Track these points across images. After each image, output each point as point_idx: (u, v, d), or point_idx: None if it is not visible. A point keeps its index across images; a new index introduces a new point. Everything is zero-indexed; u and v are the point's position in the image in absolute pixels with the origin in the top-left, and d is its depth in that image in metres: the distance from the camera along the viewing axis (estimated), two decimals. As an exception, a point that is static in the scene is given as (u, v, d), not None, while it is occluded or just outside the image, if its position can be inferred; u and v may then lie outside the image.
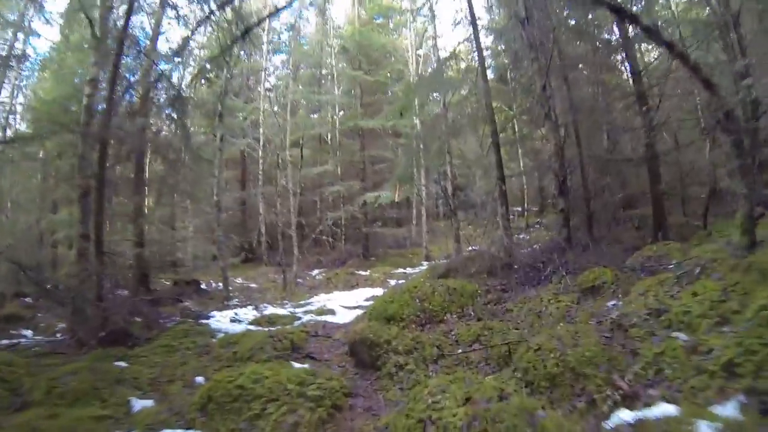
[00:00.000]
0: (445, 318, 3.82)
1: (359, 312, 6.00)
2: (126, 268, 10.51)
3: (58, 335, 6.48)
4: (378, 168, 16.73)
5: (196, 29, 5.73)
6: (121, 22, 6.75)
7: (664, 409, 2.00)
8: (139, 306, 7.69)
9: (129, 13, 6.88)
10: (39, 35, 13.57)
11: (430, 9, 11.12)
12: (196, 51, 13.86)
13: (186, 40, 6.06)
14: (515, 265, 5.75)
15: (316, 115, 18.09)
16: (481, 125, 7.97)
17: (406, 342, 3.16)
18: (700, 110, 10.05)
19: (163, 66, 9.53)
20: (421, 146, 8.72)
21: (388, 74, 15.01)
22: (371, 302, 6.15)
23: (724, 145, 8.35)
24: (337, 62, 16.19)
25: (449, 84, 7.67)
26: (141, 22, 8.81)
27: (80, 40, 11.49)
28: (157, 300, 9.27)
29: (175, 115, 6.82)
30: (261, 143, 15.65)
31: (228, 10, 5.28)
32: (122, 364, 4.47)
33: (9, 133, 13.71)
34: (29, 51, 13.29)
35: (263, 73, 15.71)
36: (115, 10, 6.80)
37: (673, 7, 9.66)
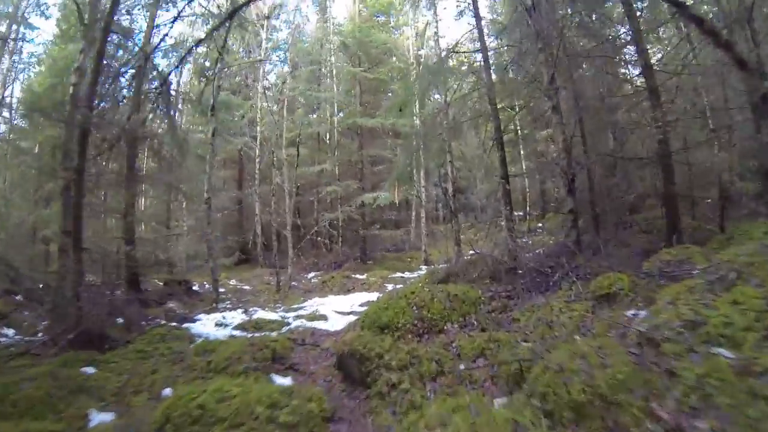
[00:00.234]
0: (445, 328, 3.39)
1: (353, 318, 5.60)
2: (113, 266, 10.14)
3: (40, 335, 6.12)
4: (377, 169, 16.42)
5: (183, 9, 5.37)
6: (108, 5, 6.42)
7: (717, 447, 1.60)
8: (120, 306, 7.29)
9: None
10: (35, 28, 13.31)
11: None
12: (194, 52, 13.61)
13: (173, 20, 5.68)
14: (520, 270, 5.36)
15: (314, 115, 17.79)
16: (484, 122, 7.60)
17: (401, 356, 2.74)
18: (708, 111, 9.76)
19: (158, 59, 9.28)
20: (421, 144, 8.34)
21: (388, 72, 14.72)
22: (366, 308, 5.77)
23: (733, 147, 8.03)
24: (336, 59, 15.91)
25: (453, 73, 7.30)
26: (133, 14, 8.56)
27: (75, 32, 11.22)
28: (144, 300, 8.90)
29: (160, 107, 6.45)
30: (258, 141, 15.33)
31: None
32: (90, 369, 4.11)
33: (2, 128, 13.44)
34: (25, 46, 13.09)
35: (261, 71, 15.40)
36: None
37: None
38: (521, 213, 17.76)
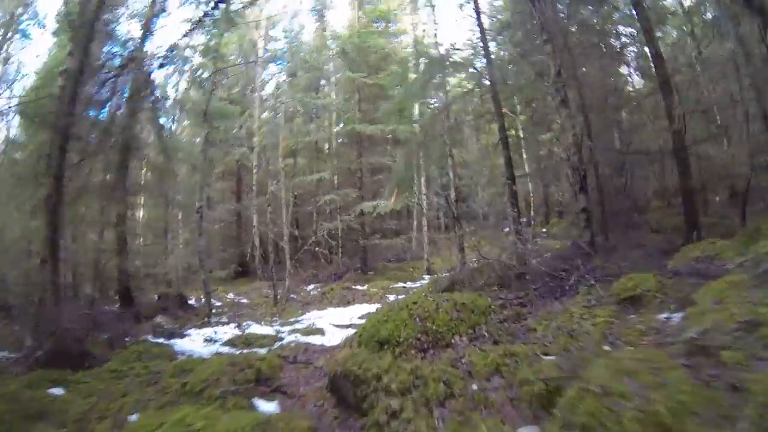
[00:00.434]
0: (452, 341, 2.94)
1: (352, 331, 5.17)
2: (105, 279, 9.75)
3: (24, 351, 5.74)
4: (376, 178, 16.11)
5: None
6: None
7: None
8: (105, 321, 6.89)
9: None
10: (30, 38, 13.22)
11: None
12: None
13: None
14: (531, 275, 4.95)
15: (313, 125, 17.60)
16: (486, 123, 7.27)
17: (402, 377, 2.29)
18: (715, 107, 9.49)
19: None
20: (422, 146, 7.99)
21: (388, 76, 14.56)
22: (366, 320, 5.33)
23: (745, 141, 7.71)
24: (335, 66, 15.80)
25: (456, 66, 6.99)
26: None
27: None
28: (136, 314, 8.50)
29: (149, 113, 6.16)
30: (255, 152, 15.08)
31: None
32: (57, 391, 3.72)
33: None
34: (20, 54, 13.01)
35: (259, 80, 15.26)
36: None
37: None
38: (525, 219, 17.37)
